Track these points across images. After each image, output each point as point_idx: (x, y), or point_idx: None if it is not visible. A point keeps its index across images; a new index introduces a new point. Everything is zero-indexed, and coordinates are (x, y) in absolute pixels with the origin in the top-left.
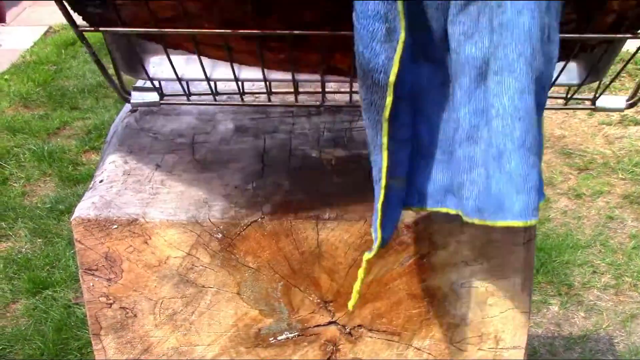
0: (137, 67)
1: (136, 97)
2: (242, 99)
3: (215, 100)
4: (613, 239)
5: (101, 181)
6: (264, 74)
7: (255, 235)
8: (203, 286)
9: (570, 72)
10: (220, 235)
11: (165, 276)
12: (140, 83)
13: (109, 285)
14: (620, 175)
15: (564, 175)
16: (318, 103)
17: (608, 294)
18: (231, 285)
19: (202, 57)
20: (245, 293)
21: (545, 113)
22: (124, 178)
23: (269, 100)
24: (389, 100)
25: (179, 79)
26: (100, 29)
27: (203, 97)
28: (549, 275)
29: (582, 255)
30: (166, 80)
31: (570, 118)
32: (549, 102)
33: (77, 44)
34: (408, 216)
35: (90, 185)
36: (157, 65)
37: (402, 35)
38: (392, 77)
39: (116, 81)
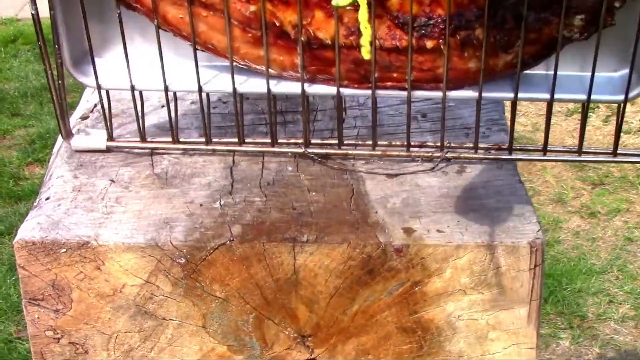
0: (84, 67)
1: (79, 140)
2: (209, 140)
3: (175, 141)
4: (632, 264)
5: (47, 198)
6: (230, 52)
7: (223, 261)
8: (164, 318)
9: (613, 85)
10: (183, 260)
11: (120, 307)
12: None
13: (57, 318)
14: None
15: (576, 191)
16: (301, 150)
17: (627, 327)
18: (196, 318)
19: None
20: (212, 326)
21: (555, 120)
22: (73, 195)
23: (241, 142)
24: None
25: (132, 88)
26: None
27: (160, 137)
28: (559, 305)
29: (597, 282)
30: (116, 89)
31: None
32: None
33: (18, 40)
34: (398, 239)
35: (35, 203)
36: (106, 68)
37: None
38: None
39: (59, 100)
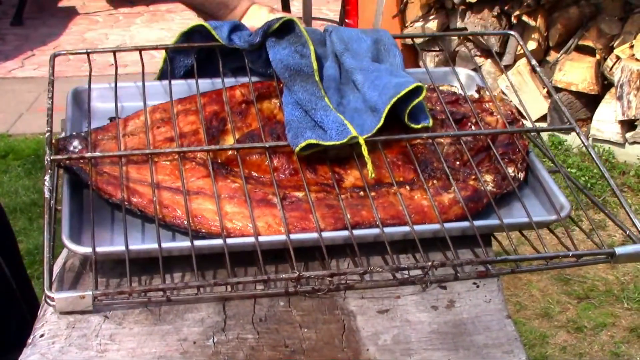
0: (77, 238)
1: (63, 300)
2: (199, 291)
3: (169, 299)
4: None
5: (42, 335)
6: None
7: None
8: None
9: (539, 209)
10: None
11: None
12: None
13: None
14: (626, 305)
15: (561, 305)
16: (296, 274)
17: None
18: None
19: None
20: None
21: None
22: (67, 332)
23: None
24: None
25: (127, 249)
26: None
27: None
28: None
29: None
30: (109, 253)
31: (568, 238)
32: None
33: (9, 156)
34: None
35: (30, 340)
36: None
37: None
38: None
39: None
